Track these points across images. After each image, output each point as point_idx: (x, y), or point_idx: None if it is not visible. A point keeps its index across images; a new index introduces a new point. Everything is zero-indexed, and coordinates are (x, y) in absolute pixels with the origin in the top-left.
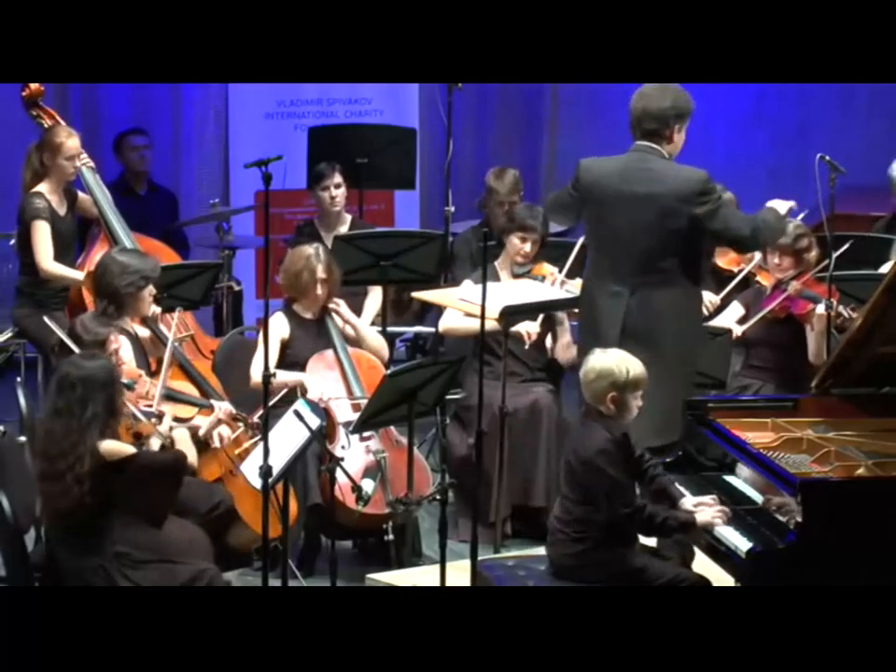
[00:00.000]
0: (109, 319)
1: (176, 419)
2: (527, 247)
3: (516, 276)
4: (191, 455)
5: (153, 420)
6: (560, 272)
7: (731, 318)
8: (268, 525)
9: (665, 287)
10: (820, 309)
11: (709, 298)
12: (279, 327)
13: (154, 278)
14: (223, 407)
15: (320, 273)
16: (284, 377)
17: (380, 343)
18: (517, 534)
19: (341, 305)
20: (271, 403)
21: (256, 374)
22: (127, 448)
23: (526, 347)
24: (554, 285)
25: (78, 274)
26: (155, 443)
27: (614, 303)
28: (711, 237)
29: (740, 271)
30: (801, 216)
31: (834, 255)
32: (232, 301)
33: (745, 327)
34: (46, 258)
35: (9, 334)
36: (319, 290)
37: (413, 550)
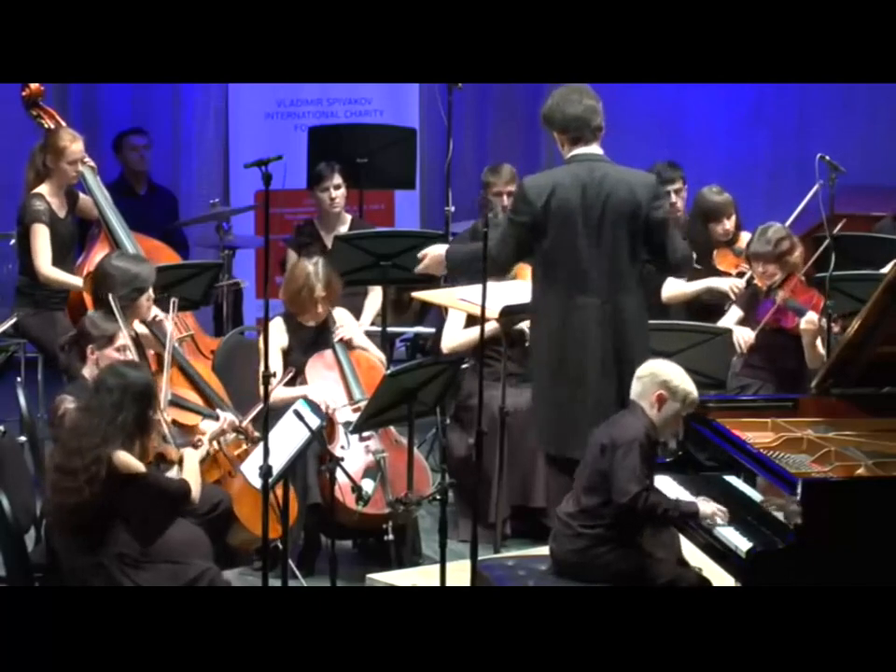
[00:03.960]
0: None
1: (178, 424)
2: None
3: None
4: (196, 486)
5: (189, 447)
6: None
7: (730, 322)
8: (268, 526)
9: (627, 294)
10: (804, 324)
11: (735, 283)
12: (278, 334)
13: (146, 288)
14: (228, 418)
15: (318, 292)
16: (283, 393)
17: (380, 361)
18: (517, 534)
19: (349, 332)
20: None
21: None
22: (137, 465)
23: (527, 344)
24: None
25: (76, 280)
26: (175, 471)
27: (585, 315)
28: (647, 244)
29: (739, 273)
30: (788, 221)
31: (827, 243)
32: (232, 301)
33: (751, 338)
34: (44, 262)
35: (10, 322)
36: (319, 308)
37: (413, 550)
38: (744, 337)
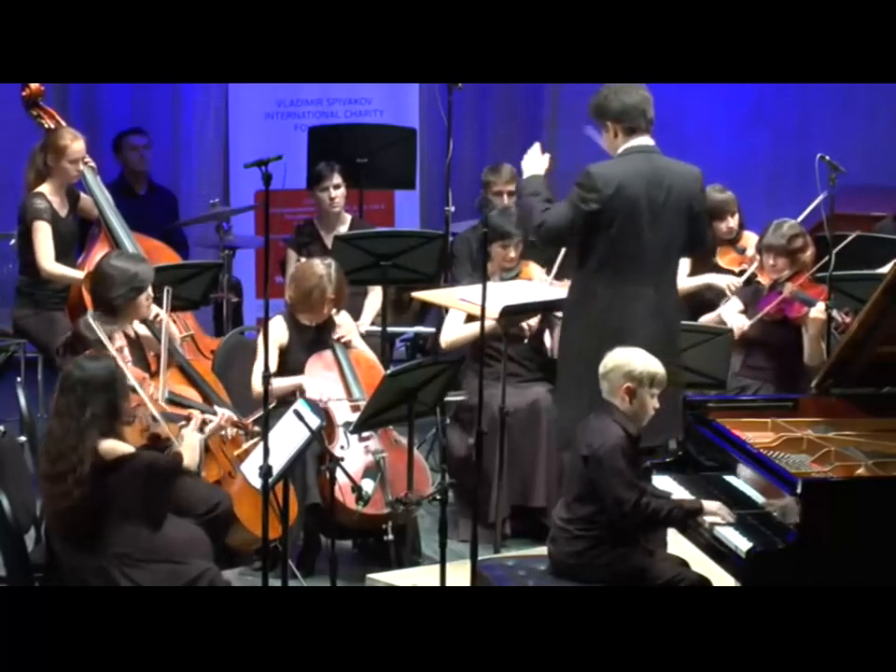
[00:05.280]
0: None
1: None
2: (511, 253)
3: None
4: (193, 459)
5: (181, 423)
6: (549, 273)
7: (731, 311)
8: (268, 526)
9: (670, 286)
10: (814, 312)
11: (732, 280)
12: (278, 332)
13: (145, 287)
14: (226, 413)
15: (330, 294)
16: (281, 383)
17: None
18: (517, 534)
19: (349, 334)
20: (271, 406)
21: (257, 384)
22: (125, 447)
23: (525, 341)
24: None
25: (79, 274)
26: (180, 446)
27: (638, 305)
28: (695, 234)
29: (742, 271)
30: (801, 217)
31: (834, 251)
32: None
33: (745, 325)
34: (47, 258)
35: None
36: (325, 310)
37: (413, 550)
38: (737, 325)
